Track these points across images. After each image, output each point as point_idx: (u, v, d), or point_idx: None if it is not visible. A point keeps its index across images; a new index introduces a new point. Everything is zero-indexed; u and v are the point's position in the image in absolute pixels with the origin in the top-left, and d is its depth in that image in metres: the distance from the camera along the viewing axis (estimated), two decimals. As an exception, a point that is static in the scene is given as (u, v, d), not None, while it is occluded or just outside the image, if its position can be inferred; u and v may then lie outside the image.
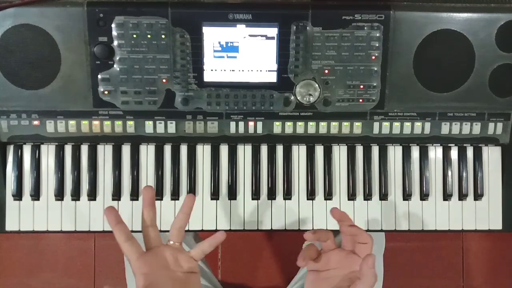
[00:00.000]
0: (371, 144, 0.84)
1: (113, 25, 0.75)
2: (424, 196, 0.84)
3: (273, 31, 0.76)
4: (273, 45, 0.77)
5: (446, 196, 0.85)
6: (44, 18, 0.74)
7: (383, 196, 0.84)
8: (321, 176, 0.84)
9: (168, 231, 0.82)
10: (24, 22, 0.74)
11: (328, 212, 0.84)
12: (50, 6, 0.75)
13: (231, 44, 0.77)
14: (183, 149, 0.83)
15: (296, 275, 0.98)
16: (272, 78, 0.79)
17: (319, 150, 0.84)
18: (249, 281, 1.44)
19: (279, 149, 0.84)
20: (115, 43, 0.76)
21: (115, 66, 0.77)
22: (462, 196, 0.85)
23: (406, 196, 0.84)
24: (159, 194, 0.82)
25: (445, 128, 0.82)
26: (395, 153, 0.85)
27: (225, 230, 0.83)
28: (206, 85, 0.79)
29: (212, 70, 0.78)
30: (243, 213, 0.83)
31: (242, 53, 0.77)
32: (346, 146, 0.84)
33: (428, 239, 1.45)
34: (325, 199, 0.84)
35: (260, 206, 0.83)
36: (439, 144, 0.85)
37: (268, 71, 0.79)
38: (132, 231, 0.80)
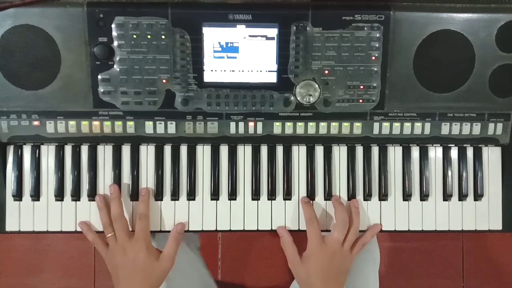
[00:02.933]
0: (371, 145, 0.84)
1: (113, 26, 0.75)
2: (424, 196, 0.84)
3: (273, 32, 0.76)
4: (273, 45, 0.77)
5: (446, 196, 0.85)
6: (44, 18, 0.74)
7: (383, 197, 0.84)
8: (321, 176, 0.84)
9: (168, 231, 0.83)
10: (24, 22, 0.74)
11: (328, 212, 0.84)
12: (50, 6, 0.75)
13: (231, 44, 0.77)
14: (183, 149, 0.83)
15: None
16: (272, 78, 0.79)
17: (319, 150, 0.84)
18: (249, 281, 1.44)
19: (279, 149, 0.84)
20: (115, 43, 0.76)
21: (115, 66, 0.77)
22: (462, 196, 0.85)
23: (406, 196, 0.84)
24: (159, 194, 0.82)
25: (445, 129, 0.82)
26: (395, 153, 0.85)
27: (225, 230, 0.83)
28: (206, 86, 0.79)
29: (212, 70, 0.78)
30: (243, 213, 0.83)
31: (242, 54, 0.77)
32: (346, 147, 0.84)
33: (428, 239, 1.45)
34: (325, 199, 0.84)
35: (260, 206, 0.83)
36: (439, 145, 0.85)
37: (268, 71, 0.78)
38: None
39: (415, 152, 0.85)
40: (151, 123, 0.80)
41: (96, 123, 0.79)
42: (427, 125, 0.82)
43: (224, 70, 0.78)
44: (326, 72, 0.78)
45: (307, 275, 0.78)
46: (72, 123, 0.79)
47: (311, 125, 0.81)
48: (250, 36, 0.77)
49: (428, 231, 0.85)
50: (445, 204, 0.85)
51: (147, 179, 0.83)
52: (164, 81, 0.78)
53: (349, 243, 0.79)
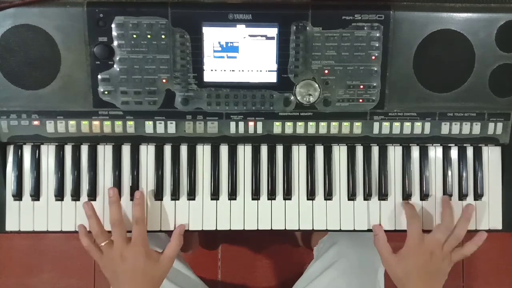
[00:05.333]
0: (371, 144, 0.84)
1: (113, 25, 0.75)
2: (424, 196, 0.84)
3: (273, 31, 0.76)
4: (273, 45, 0.77)
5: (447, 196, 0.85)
6: (44, 18, 0.74)
7: (383, 196, 0.84)
8: (321, 176, 0.84)
9: (166, 231, 0.83)
10: (24, 22, 0.74)
11: (328, 212, 0.84)
12: (50, 6, 0.75)
13: (231, 44, 0.77)
14: (183, 149, 0.83)
15: (302, 277, 0.98)
16: (272, 78, 0.79)
17: (319, 150, 0.84)
18: (249, 281, 1.44)
19: (279, 149, 0.84)
20: (115, 43, 0.76)
21: (115, 66, 0.77)
22: (462, 196, 0.85)
23: (406, 196, 0.84)
24: (159, 194, 0.82)
25: (445, 128, 0.82)
26: (395, 153, 0.85)
27: (225, 230, 0.83)
28: (206, 85, 0.79)
29: (212, 70, 0.78)
30: (243, 213, 0.83)
31: (242, 53, 0.77)
32: (346, 146, 0.84)
33: (428, 239, 1.45)
34: (325, 199, 0.84)
35: (260, 206, 0.83)
36: (439, 144, 0.85)
37: (268, 71, 0.78)
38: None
39: (415, 151, 0.85)
40: (151, 123, 0.80)
41: (96, 123, 0.79)
42: (427, 125, 0.82)
43: (224, 70, 0.78)
44: (326, 71, 0.78)
45: (406, 273, 0.77)
46: (72, 123, 0.79)
47: (311, 124, 0.81)
48: (250, 35, 0.77)
49: (428, 230, 0.85)
50: (451, 201, 0.85)
51: (147, 179, 0.83)
52: (164, 80, 0.78)
53: (449, 246, 0.79)
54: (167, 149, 0.83)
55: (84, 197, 0.82)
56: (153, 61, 0.77)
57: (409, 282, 0.77)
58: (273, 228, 0.84)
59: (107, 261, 0.78)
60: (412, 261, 0.77)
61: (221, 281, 1.44)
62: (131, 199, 0.82)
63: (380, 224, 0.83)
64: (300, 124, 0.81)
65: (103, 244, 0.77)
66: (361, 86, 0.79)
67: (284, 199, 0.84)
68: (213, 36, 0.76)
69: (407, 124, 0.82)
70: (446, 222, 0.80)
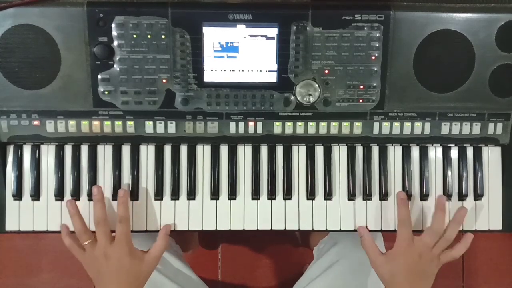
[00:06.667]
0: (371, 144, 0.84)
1: (113, 25, 0.75)
2: (424, 196, 0.84)
3: (273, 31, 0.76)
4: (273, 45, 0.77)
5: (446, 196, 0.85)
6: (44, 18, 0.75)
7: (383, 196, 0.84)
8: (321, 176, 0.84)
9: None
10: (24, 22, 0.75)
11: (328, 212, 0.84)
12: (50, 6, 0.75)
13: (231, 44, 0.77)
14: (183, 149, 0.83)
15: (302, 277, 0.98)
16: (272, 78, 0.79)
17: (319, 150, 0.84)
18: (249, 281, 1.44)
19: (279, 149, 0.84)
20: (115, 43, 0.76)
21: (115, 66, 0.77)
22: (462, 196, 0.85)
23: (407, 196, 0.84)
24: (159, 194, 0.82)
25: (445, 128, 0.82)
26: (395, 153, 0.85)
27: (225, 230, 0.83)
28: (206, 85, 0.79)
29: (212, 70, 0.78)
30: (243, 213, 0.83)
31: (242, 53, 0.77)
32: (346, 146, 0.84)
33: (428, 239, 1.45)
34: (325, 199, 0.84)
35: (260, 206, 0.83)
36: (439, 144, 0.85)
37: (268, 71, 0.79)
38: (132, 231, 0.81)
39: (415, 152, 0.85)
40: (151, 122, 0.80)
41: (96, 122, 0.79)
42: (427, 125, 0.82)
43: (224, 70, 0.78)
44: (326, 71, 0.78)
45: (393, 274, 0.77)
46: (72, 122, 0.79)
47: (311, 124, 0.81)
48: (250, 36, 0.77)
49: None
50: (445, 204, 0.85)
51: (147, 179, 0.83)
52: (164, 80, 0.78)
53: (439, 248, 0.78)
54: (167, 149, 0.83)
55: (84, 197, 0.82)
56: (153, 61, 0.77)
57: (395, 282, 0.77)
58: (273, 228, 0.84)
59: (90, 260, 0.77)
60: (400, 262, 0.77)
61: (221, 281, 1.44)
62: (132, 199, 0.82)
63: (366, 226, 0.83)
64: (300, 124, 0.81)
65: (86, 242, 0.77)
66: (361, 86, 0.79)
67: (284, 199, 0.84)
68: (213, 36, 0.76)
69: (407, 124, 0.82)
70: (436, 226, 0.79)
